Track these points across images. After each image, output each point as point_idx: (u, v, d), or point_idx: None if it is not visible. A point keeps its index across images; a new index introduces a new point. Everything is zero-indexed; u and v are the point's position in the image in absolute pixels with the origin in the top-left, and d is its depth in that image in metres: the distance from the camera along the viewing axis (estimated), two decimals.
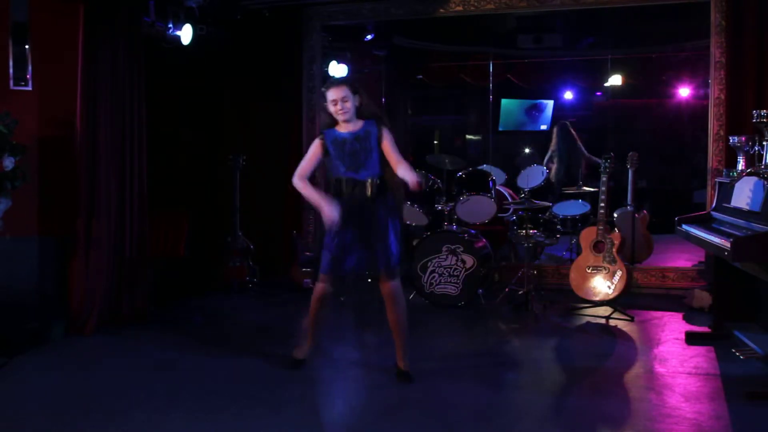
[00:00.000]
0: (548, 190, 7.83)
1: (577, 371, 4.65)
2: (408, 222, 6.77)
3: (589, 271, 6.01)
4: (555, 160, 8.83)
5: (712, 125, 6.51)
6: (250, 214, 7.26)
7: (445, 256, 6.28)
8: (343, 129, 4.30)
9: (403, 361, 4.38)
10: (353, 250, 4.25)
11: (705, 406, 3.90)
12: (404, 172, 4.09)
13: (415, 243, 6.61)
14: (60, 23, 5.47)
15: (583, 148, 8.78)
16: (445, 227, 6.53)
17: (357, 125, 4.29)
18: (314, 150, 4.35)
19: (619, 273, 5.91)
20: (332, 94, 4.24)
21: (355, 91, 4.27)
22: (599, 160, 6.16)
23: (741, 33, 6.32)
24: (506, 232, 7.32)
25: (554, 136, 8.95)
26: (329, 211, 4.13)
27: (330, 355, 4.89)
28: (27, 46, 5.35)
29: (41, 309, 5.22)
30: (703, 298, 6.10)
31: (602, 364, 4.78)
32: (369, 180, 4.26)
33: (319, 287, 4.38)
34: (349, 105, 4.23)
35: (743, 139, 5.19)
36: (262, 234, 7.38)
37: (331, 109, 4.26)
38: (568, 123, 8.97)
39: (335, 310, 6.01)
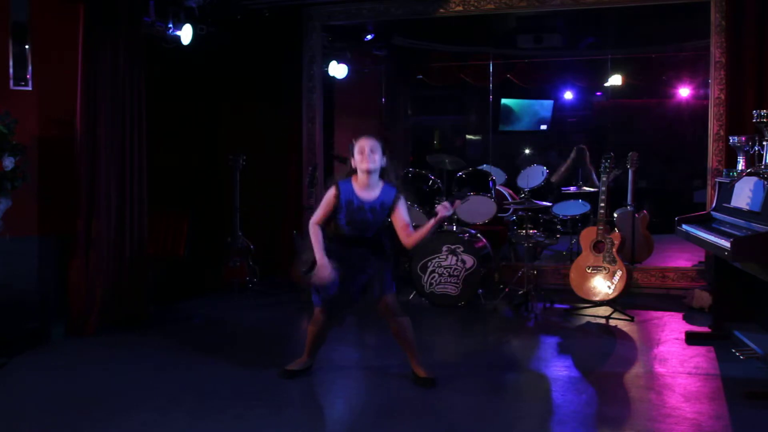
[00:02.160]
0: (548, 190, 7.83)
1: (577, 371, 4.65)
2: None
3: (589, 271, 6.01)
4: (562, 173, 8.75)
5: (712, 125, 6.51)
6: (250, 214, 7.26)
7: (445, 256, 6.28)
8: (360, 189, 4.14)
9: (420, 368, 4.33)
10: (351, 283, 4.20)
11: (705, 406, 3.90)
12: (414, 238, 4.14)
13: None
14: (60, 23, 5.48)
15: (594, 176, 8.65)
16: (445, 227, 6.53)
17: (375, 191, 4.15)
18: (328, 200, 4.15)
19: (619, 273, 5.91)
20: (361, 143, 4.11)
21: (383, 150, 4.17)
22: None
23: (741, 33, 6.32)
24: (506, 232, 7.33)
25: (570, 158, 8.85)
26: (325, 272, 4.08)
27: (330, 356, 4.89)
28: (27, 46, 5.35)
29: (41, 309, 5.22)
30: (703, 298, 6.10)
31: (602, 364, 4.78)
32: (372, 236, 4.23)
33: (320, 317, 4.32)
34: (377, 157, 4.11)
35: (743, 139, 5.19)
36: (262, 234, 7.39)
37: (357, 157, 4.11)
38: (585, 148, 8.85)
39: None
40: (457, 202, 4.21)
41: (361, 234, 4.21)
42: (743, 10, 6.30)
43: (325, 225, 4.21)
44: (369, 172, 4.10)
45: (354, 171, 4.18)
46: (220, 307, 6.48)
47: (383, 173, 4.19)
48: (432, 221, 4.06)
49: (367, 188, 4.14)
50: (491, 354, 5.06)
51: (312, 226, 4.18)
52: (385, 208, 4.18)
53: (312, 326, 4.40)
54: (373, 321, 5.41)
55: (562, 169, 8.75)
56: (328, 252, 4.14)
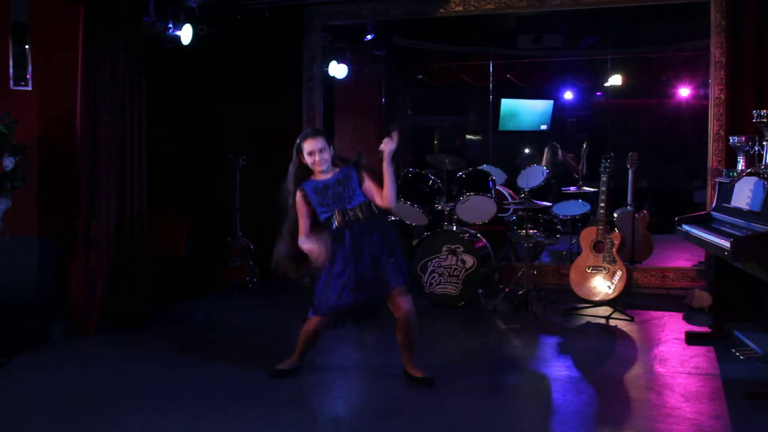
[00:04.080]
0: (548, 190, 7.84)
1: (577, 371, 4.65)
2: (408, 222, 6.78)
3: (589, 271, 6.01)
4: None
5: (712, 125, 6.51)
6: (250, 214, 7.25)
7: (445, 256, 6.28)
8: (320, 177, 4.24)
9: (416, 368, 4.31)
10: (356, 278, 4.15)
11: (705, 406, 3.90)
12: (386, 193, 4.18)
13: (415, 243, 6.61)
14: (60, 23, 5.48)
15: (572, 171, 8.77)
16: (445, 227, 6.53)
17: (333, 172, 4.25)
18: (300, 205, 4.21)
19: (619, 273, 5.91)
20: (309, 146, 4.17)
21: (330, 142, 4.25)
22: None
23: (741, 33, 6.32)
24: (506, 232, 7.33)
25: (544, 157, 9.03)
26: (318, 249, 4.08)
27: (330, 356, 4.89)
28: (27, 46, 5.35)
29: (41, 309, 5.22)
30: (703, 298, 6.10)
31: (602, 364, 4.78)
32: (359, 205, 4.22)
33: (315, 321, 4.30)
34: (326, 156, 4.19)
35: (743, 139, 5.19)
36: (262, 234, 7.38)
37: (308, 160, 4.18)
38: (557, 145, 9.03)
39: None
40: (394, 132, 4.24)
41: (342, 207, 4.19)
42: (743, 10, 6.30)
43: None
44: (323, 172, 4.22)
45: (304, 173, 4.24)
46: (220, 307, 6.48)
47: (335, 160, 4.28)
48: (384, 164, 4.13)
49: (323, 174, 4.24)
50: (491, 354, 5.06)
51: (302, 241, 4.16)
52: (351, 179, 4.22)
53: (305, 329, 4.38)
54: (373, 320, 5.42)
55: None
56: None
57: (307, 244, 4.14)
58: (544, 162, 8.91)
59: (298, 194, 4.22)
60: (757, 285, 4.84)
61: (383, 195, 4.20)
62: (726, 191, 4.91)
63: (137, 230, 5.78)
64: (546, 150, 9.11)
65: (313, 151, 4.17)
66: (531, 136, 10.84)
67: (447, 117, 11.74)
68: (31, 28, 5.36)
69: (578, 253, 6.23)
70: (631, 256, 6.56)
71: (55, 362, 4.80)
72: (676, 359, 4.76)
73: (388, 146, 4.08)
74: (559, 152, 9.00)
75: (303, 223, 4.22)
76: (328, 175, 4.24)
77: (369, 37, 8.39)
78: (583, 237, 6.11)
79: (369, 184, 4.25)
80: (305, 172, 4.26)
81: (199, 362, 4.76)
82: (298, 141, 4.27)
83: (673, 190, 10.13)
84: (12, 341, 4.90)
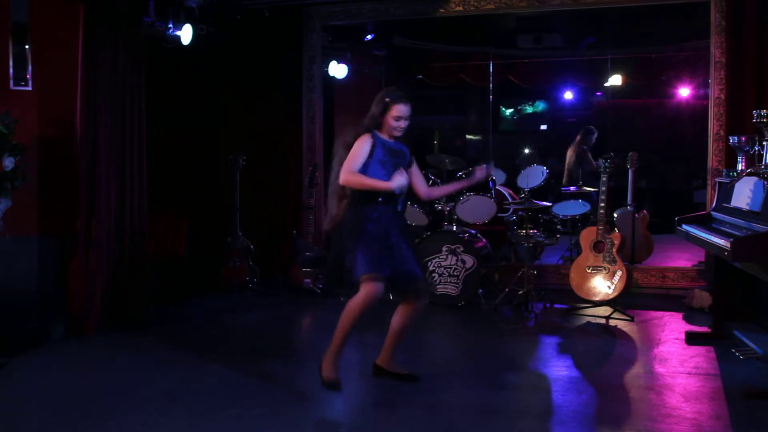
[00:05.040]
0: (548, 190, 7.84)
1: (577, 371, 4.65)
2: (408, 222, 6.77)
3: (589, 271, 6.01)
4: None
5: (712, 125, 6.51)
6: (250, 214, 7.26)
7: (445, 256, 6.28)
8: (388, 138, 4.15)
9: (398, 366, 4.34)
10: (395, 255, 4.05)
11: (705, 406, 3.90)
12: (437, 192, 4.50)
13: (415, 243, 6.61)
14: (60, 23, 5.48)
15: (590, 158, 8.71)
16: (445, 227, 6.53)
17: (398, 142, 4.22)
18: (366, 147, 4.02)
19: (619, 273, 5.91)
20: (400, 110, 4.07)
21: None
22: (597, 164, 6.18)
23: (741, 33, 6.32)
24: (506, 232, 7.33)
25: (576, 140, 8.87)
26: (397, 180, 4.00)
27: None
28: (27, 46, 5.35)
29: (41, 309, 5.22)
30: (703, 298, 6.10)
31: (602, 364, 4.78)
32: (401, 195, 4.15)
33: (374, 288, 3.93)
34: (404, 125, 4.15)
35: (743, 139, 5.19)
36: (262, 234, 7.39)
37: (392, 123, 4.08)
38: (593, 128, 8.88)
39: (334, 310, 6.02)
40: (490, 168, 4.45)
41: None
42: (743, 10, 6.30)
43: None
44: (396, 137, 4.19)
45: (377, 124, 4.12)
46: (219, 307, 6.48)
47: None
48: (463, 182, 4.43)
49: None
50: (491, 354, 5.06)
51: (350, 177, 3.99)
52: (405, 156, 4.21)
53: (360, 307, 3.97)
54: (373, 321, 5.40)
55: (570, 151, 8.76)
56: (373, 219, 4.02)
57: (381, 183, 4.00)
58: (574, 145, 8.73)
59: (368, 137, 4.04)
60: (757, 285, 4.84)
61: (432, 190, 4.39)
62: (726, 191, 4.91)
63: (137, 230, 5.78)
64: (581, 133, 8.78)
65: (401, 116, 4.09)
66: (531, 136, 10.86)
67: (447, 117, 11.74)
68: (31, 28, 5.36)
69: (578, 253, 6.22)
70: (631, 256, 6.57)
71: (55, 362, 4.80)
72: (676, 359, 4.76)
73: (480, 174, 4.14)
74: (594, 137, 8.81)
75: (359, 162, 4.00)
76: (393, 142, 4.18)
77: (369, 37, 8.39)
78: (583, 237, 6.11)
79: (416, 169, 4.29)
80: (370, 126, 4.12)
81: (199, 362, 4.76)
82: (387, 99, 4.10)
83: (673, 190, 10.14)
84: (12, 341, 4.90)
